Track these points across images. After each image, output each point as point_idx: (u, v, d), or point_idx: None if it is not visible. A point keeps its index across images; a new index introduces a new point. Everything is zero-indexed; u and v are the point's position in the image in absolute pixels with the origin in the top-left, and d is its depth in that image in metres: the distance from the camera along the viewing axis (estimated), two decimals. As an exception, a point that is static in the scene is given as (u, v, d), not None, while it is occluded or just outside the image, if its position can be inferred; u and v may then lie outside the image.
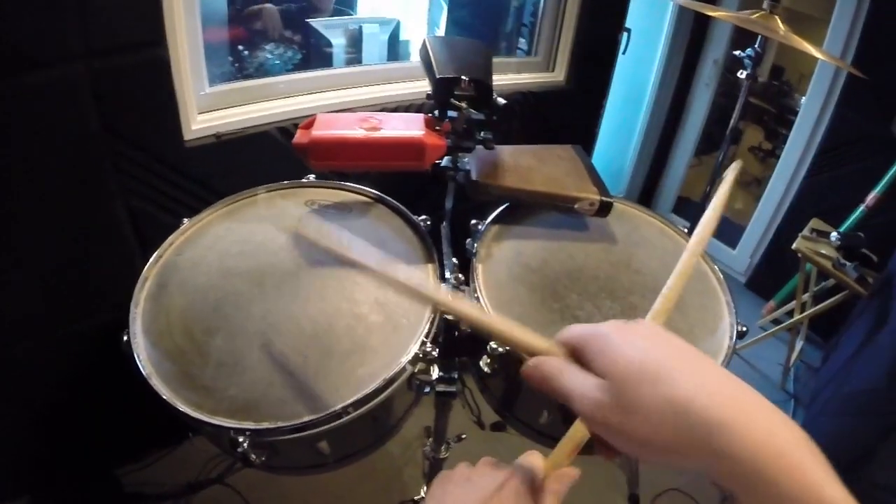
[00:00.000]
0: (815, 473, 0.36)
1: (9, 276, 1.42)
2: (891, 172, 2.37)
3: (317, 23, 2.15)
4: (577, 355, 0.46)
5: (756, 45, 1.80)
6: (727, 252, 3.18)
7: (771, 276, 2.86)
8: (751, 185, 3.69)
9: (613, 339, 0.44)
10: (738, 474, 0.37)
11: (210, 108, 1.61)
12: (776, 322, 2.75)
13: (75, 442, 1.74)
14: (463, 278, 0.97)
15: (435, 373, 0.89)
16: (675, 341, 0.45)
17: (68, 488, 1.72)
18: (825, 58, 1.68)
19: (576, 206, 1.05)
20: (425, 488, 1.45)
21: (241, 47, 2.09)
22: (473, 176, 1.03)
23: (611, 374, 0.42)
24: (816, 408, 2.19)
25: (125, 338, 0.87)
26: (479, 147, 1.03)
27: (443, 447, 1.26)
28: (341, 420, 0.79)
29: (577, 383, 0.43)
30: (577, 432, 0.53)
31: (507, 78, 2.16)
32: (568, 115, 2.24)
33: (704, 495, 2.10)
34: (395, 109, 1.78)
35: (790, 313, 2.65)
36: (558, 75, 2.25)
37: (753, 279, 3.04)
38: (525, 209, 1.12)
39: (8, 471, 1.71)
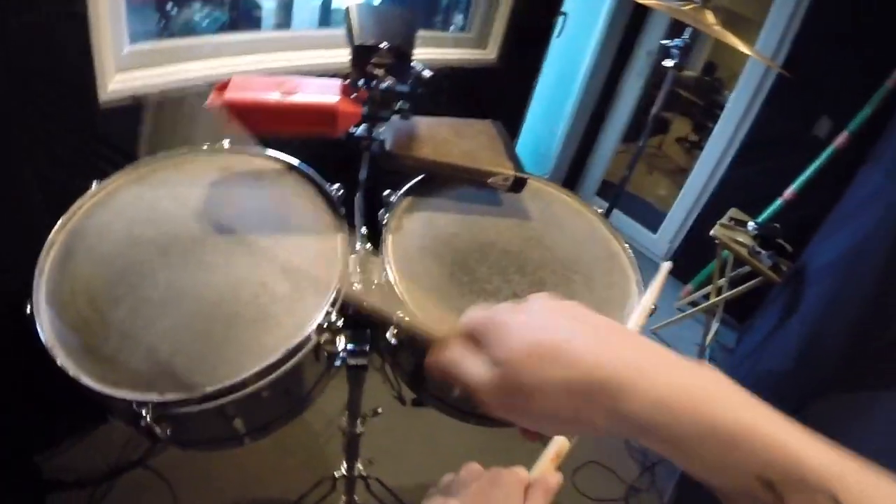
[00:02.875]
0: (728, 402, 0.37)
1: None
2: (810, 170, 2.51)
3: (246, -17, 2.07)
4: (476, 341, 0.46)
5: (686, 37, 1.85)
6: (648, 236, 3.29)
7: (689, 261, 2.98)
8: (675, 174, 3.82)
9: (508, 324, 0.44)
10: (648, 430, 0.38)
11: (129, 68, 1.53)
12: (693, 305, 2.87)
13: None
14: (372, 248, 0.96)
15: (341, 343, 0.88)
16: (572, 311, 0.46)
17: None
18: (753, 54, 1.74)
19: (489, 180, 1.06)
20: (345, 464, 1.45)
21: (169, 5, 2.00)
22: (387, 146, 1.02)
23: (507, 360, 0.42)
24: (729, 388, 2.30)
25: (28, 308, 0.83)
26: (395, 118, 1.02)
27: (358, 421, 1.26)
28: (246, 390, 0.77)
29: (476, 372, 0.44)
30: (558, 441, 0.54)
31: (438, 52, 2.14)
32: (497, 93, 2.25)
33: (624, 466, 2.19)
34: (322, 76, 1.75)
35: (707, 297, 2.78)
36: (490, 53, 2.25)
37: (673, 263, 3.15)
38: (440, 182, 1.12)
39: None
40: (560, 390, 0.40)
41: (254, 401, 0.80)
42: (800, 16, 2.47)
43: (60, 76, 1.38)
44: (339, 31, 1.93)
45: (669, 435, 0.37)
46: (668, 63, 1.91)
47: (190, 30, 1.95)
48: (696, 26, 1.70)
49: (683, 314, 2.77)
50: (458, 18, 2.37)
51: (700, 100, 4.00)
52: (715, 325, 2.79)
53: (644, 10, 3.00)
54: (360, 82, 0.97)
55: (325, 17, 2.15)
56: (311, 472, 1.81)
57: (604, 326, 0.44)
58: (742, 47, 1.66)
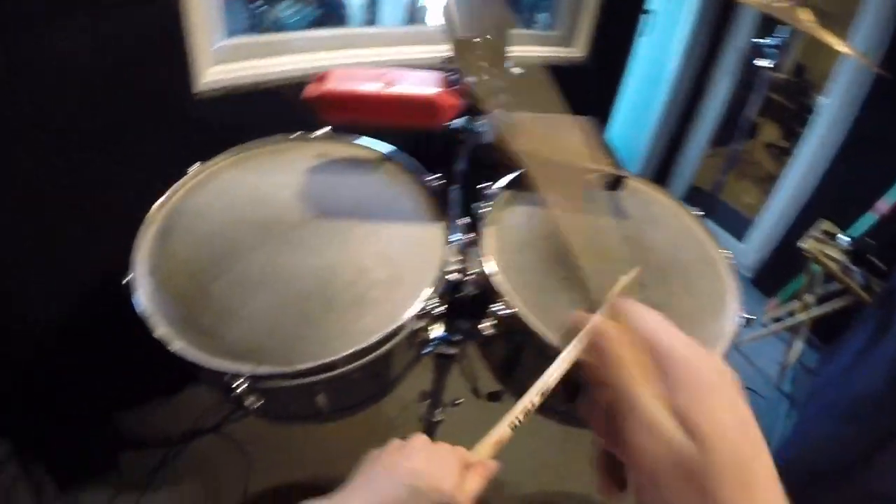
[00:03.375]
0: None
1: (16, 222, 1.42)
2: (907, 181, 2.35)
3: (334, -20, 2.13)
4: (656, 367, 0.37)
5: (782, 36, 1.77)
6: (735, 245, 3.16)
7: (776, 273, 2.84)
8: (764, 181, 3.66)
9: (714, 387, 0.35)
10: None
11: (224, 61, 1.59)
12: (778, 320, 2.74)
13: (75, 386, 1.75)
14: (472, 239, 0.96)
15: (437, 332, 0.88)
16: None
17: (67, 431, 1.73)
18: (852, 52, 1.65)
19: (589, 177, 1.04)
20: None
21: (258, 2, 2.07)
22: (487, 139, 1.01)
23: (708, 437, 0.33)
24: (812, 410, 2.19)
25: (126, 279, 0.86)
26: (496, 111, 1.01)
27: (438, 410, 1.27)
28: (337, 371, 0.79)
29: (657, 423, 0.35)
30: (503, 433, 0.51)
31: (525, 50, 2.12)
32: (584, 91, 2.19)
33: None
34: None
35: (792, 313, 2.64)
36: (577, 51, 2.21)
37: (759, 275, 3.03)
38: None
39: (5, 411, 1.72)
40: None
41: (342, 381, 0.81)
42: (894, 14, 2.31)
43: (159, 67, 1.45)
44: (425, 28, 1.96)
45: None
46: (764, 63, 1.83)
47: (279, 26, 2.01)
48: (793, 23, 1.62)
49: (767, 330, 2.65)
50: (542, 17, 2.35)
51: (791, 103, 3.82)
52: (799, 344, 2.65)
53: (732, 6, 2.89)
54: (459, 76, 0.97)
55: (412, 13, 2.17)
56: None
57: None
58: (840, 46, 1.57)
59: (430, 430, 1.32)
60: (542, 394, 0.49)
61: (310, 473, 1.86)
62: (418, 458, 0.51)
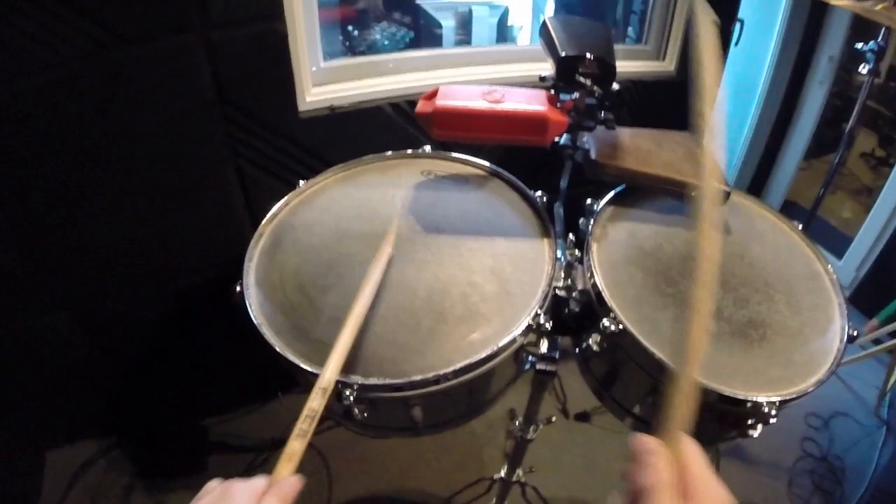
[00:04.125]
0: None
1: (124, 225, 1.52)
2: None
3: (426, 4, 2.19)
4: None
5: (879, 39, 1.70)
6: (833, 262, 3.01)
7: (877, 292, 2.69)
8: (860, 194, 3.47)
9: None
10: None
11: (324, 82, 1.67)
12: (877, 342, 2.59)
13: (169, 387, 1.85)
14: (578, 256, 0.97)
15: (544, 346, 0.90)
16: None
17: (156, 431, 1.83)
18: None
19: (693, 192, 1.03)
20: (506, 467, 1.47)
21: (350, 27, 2.16)
22: (593, 155, 1.02)
23: None
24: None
25: (238, 289, 0.90)
26: (599, 128, 1.02)
27: (531, 427, 1.27)
28: (448, 383, 0.80)
29: None
30: (291, 447, 0.57)
31: (617, 65, 2.07)
32: (677, 106, 2.16)
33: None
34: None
35: (893, 334, 2.49)
36: (668, 65, 2.18)
37: (858, 294, 2.87)
38: (640, 192, 1.10)
39: (102, 410, 1.83)
40: None
41: (446, 396, 0.83)
42: None
43: (265, 88, 1.53)
44: (518, 47, 1.98)
45: None
46: (863, 69, 1.76)
47: (375, 49, 2.09)
48: (890, 25, 1.55)
49: (865, 352, 2.50)
50: (630, 31, 2.33)
51: (887, 110, 3.60)
52: (901, 367, 2.50)
53: (822, 13, 2.77)
54: (564, 92, 0.99)
55: (502, 33, 2.21)
56: (465, 471, 1.84)
57: None
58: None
59: (521, 447, 1.33)
60: (323, 391, 0.59)
61: (391, 486, 1.89)
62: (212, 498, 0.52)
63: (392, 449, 1.94)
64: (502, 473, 1.50)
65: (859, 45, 1.78)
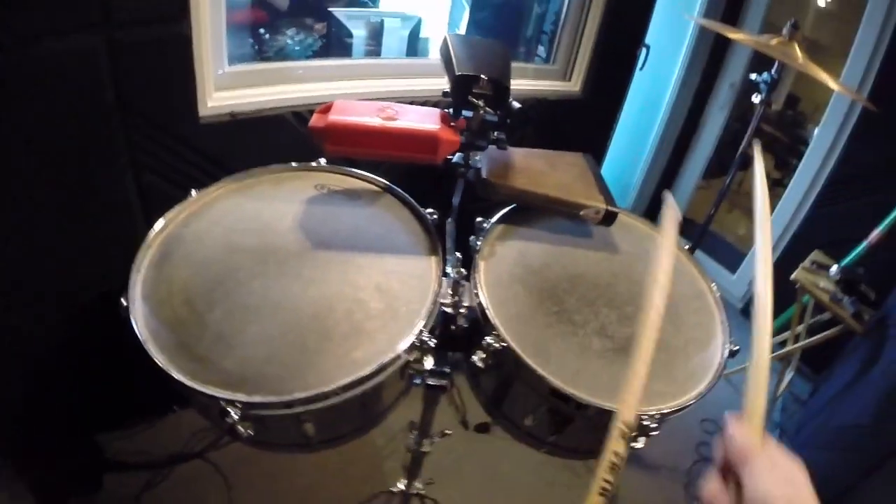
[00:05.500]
0: None
1: (15, 238, 1.42)
2: (897, 210, 2.37)
3: (339, 12, 2.16)
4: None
5: (773, 71, 1.81)
6: (726, 277, 3.18)
7: (767, 304, 2.85)
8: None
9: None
10: None
11: (227, 87, 1.62)
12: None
13: (61, 405, 1.74)
14: (465, 273, 0.98)
15: (429, 363, 0.90)
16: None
17: (51, 451, 1.72)
18: (840, 88, 1.69)
19: (581, 212, 1.06)
20: (404, 480, 1.46)
21: (261, 30, 2.11)
22: (484, 174, 1.03)
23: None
24: (801, 440, 2.20)
25: (124, 303, 0.87)
26: (491, 147, 1.04)
27: (426, 441, 1.27)
28: (331, 401, 0.80)
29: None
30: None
31: (523, 83, 2.16)
32: (581, 125, 2.25)
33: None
34: (412, 104, 1.80)
35: (783, 343, 2.66)
36: (574, 85, 2.25)
37: (750, 306, 3.04)
38: (531, 212, 1.13)
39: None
40: None
41: (333, 411, 0.82)
42: (884, 46, 2.37)
43: (165, 92, 1.47)
44: (428, 61, 1.99)
45: None
46: (756, 99, 1.87)
47: (284, 55, 2.04)
48: (784, 60, 1.66)
49: (755, 360, 2.65)
50: (541, 50, 2.39)
51: (783, 135, 3.86)
52: (790, 374, 2.66)
53: (726, 42, 2.94)
54: (458, 111, 1.00)
55: (413, 45, 2.21)
56: (368, 485, 1.82)
57: None
58: (830, 83, 1.61)
59: (417, 460, 1.33)
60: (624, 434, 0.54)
61: (295, 500, 1.86)
62: None
63: (294, 465, 1.89)
64: (401, 486, 1.49)
65: (753, 76, 1.89)
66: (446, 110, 1.02)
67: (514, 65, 1.07)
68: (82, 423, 1.81)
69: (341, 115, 0.97)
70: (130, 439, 1.90)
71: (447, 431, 1.31)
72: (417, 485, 1.47)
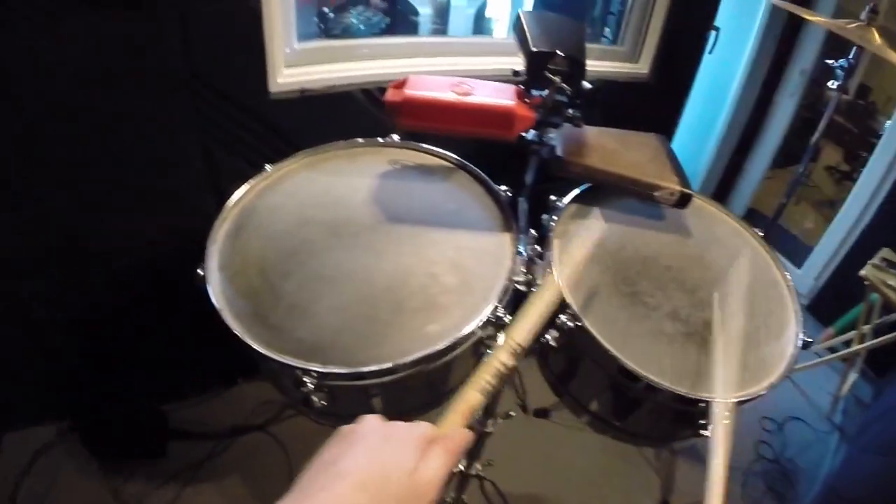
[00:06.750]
0: None
1: (89, 211, 1.48)
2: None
3: (405, -10, 2.16)
4: None
5: (850, 57, 1.73)
6: (792, 270, 3.07)
7: (834, 301, 2.75)
8: (823, 206, 3.56)
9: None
10: None
11: (297, 64, 1.64)
12: (832, 350, 2.66)
13: (129, 375, 1.81)
14: (539, 251, 0.97)
15: (500, 340, 0.89)
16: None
17: (117, 416, 1.79)
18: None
19: (656, 193, 1.04)
20: (465, 460, 1.47)
21: (326, 9, 2.13)
22: (558, 152, 1.02)
23: None
24: (861, 444, 2.12)
25: (200, 272, 0.89)
26: (566, 124, 1.02)
27: (490, 421, 1.27)
28: (404, 373, 0.80)
29: None
30: (471, 397, 0.51)
31: (590, 64, 2.08)
32: (648, 108, 2.17)
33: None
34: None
35: (848, 343, 2.56)
36: (642, 67, 2.20)
37: (815, 303, 2.94)
38: (604, 192, 1.11)
39: (60, 393, 1.79)
40: None
41: (401, 386, 0.83)
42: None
43: (236, 66, 1.50)
44: (494, 40, 1.97)
45: None
46: (832, 85, 1.79)
47: (350, 33, 2.06)
48: (862, 44, 1.58)
49: (821, 359, 2.57)
50: (607, 31, 2.34)
51: (854, 126, 3.69)
52: (853, 376, 2.56)
53: (798, 27, 2.82)
54: (533, 88, 0.99)
55: (479, 24, 2.20)
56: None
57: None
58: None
59: (480, 440, 1.33)
60: (513, 353, 0.54)
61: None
62: (366, 451, 0.45)
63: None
64: (461, 466, 1.50)
65: (830, 61, 1.81)
66: (520, 86, 1.01)
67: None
68: (151, 390, 1.88)
69: (417, 90, 0.97)
70: (195, 409, 1.96)
71: (511, 413, 1.31)
72: (477, 465, 1.48)
